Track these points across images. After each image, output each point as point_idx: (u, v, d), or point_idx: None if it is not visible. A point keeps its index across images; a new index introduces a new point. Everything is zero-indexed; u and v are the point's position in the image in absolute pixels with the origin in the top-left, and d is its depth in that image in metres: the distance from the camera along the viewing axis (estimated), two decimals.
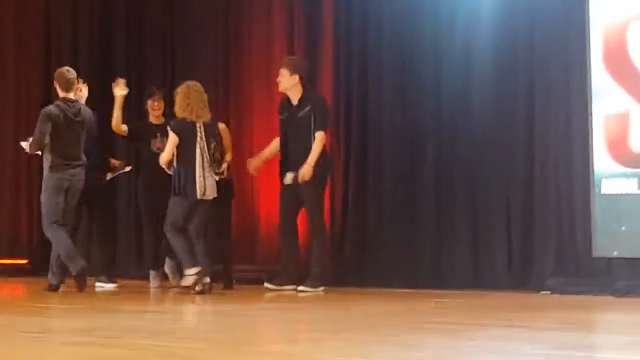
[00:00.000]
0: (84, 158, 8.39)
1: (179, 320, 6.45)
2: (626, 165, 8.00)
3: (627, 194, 7.96)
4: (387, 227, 9.10)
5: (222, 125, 8.93)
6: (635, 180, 7.95)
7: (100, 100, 9.33)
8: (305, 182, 8.42)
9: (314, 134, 8.46)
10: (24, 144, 8.53)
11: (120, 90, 8.82)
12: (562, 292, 7.94)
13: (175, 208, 8.15)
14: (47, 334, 5.34)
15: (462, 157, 8.83)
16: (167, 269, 9.03)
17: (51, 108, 8.33)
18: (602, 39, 8.13)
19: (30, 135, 8.44)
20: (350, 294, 8.31)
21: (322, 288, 8.42)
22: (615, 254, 8.03)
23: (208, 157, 8.19)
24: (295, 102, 8.62)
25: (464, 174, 8.82)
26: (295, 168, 8.48)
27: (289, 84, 8.61)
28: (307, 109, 8.53)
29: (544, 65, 8.50)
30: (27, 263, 10.68)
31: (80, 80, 8.71)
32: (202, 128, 8.19)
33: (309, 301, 7.75)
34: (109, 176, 9.21)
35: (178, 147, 8.15)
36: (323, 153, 8.54)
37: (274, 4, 10.06)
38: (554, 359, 4.25)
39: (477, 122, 8.76)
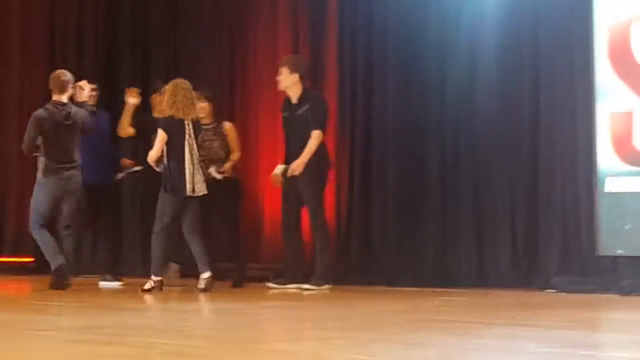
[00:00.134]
0: (78, 159, 8.41)
1: (184, 319, 6.45)
2: (631, 163, 7.99)
3: (631, 192, 7.96)
4: (391, 225, 9.10)
5: (228, 124, 8.95)
6: None
7: (107, 100, 9.36)
8: (304, 179, 8.45)
9: (311, 132, 8.49)
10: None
11: (132, 98, 8.85)
12: (566, 291, 7.94)
13: (164, 205, 8.20)
14: (53, 332, 5.35)
15: (467, 155, 8.83)
16: (171, 268, 9.06)
17: (39, 112, 8.40)
18: (607, 36, 8.13)
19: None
20: (355, 292, 8.32)
21: (327, 286, 8.42)
22: (619, 252, 8.02)
23: (197, 154, 8.23)
24: (294, 100, 8.65)
25: (469, 172, 8.82)
26: None
27: (288, 82, 8.64)
28: (305, 107, 8.56)
29: (548, 63, 8.50)
30: (32, 261, 10.68)
31: (85, 81, 8.73)
32: (191, 125, 8.24)
33: (314, 299, 7.75)
34: (119, 175, 9.25)
35: (167, 144, 8.21)
36: (321, 151, 8.55)
37: (279, 3, 10.07)
38: (558, 357, 4.25)
39: (482, 120, 8.76)
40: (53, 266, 8.24)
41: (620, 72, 8.06)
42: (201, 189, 8.22)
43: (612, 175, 8.03)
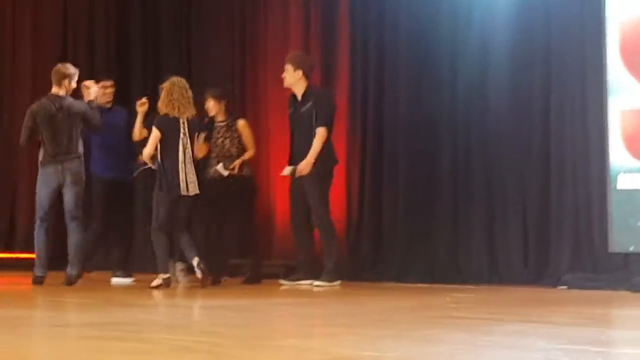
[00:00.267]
0: (77, 151, 8.44)
1: (194, 315, 6.46)
2: None
3: None
4: (402, 222, 9.10)
5: (241, 122, 8.96)
6: None
7: (118, 98, 9.38)
8: (309, 179, 8.44)
9: (315, 129, 8.47)
10: None
11: (141, 107, 8.86)
12: (578, 288, 7.92)
13: (158, 204, 8.24)
14: (64, 328, 5.36)
15: (478, 151, 8.82)
16: (177, 267, 9.08)
17: (33, 105, 8.51)
18: (618, 33, 8.10)
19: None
20: (365, 288, 8.31)
21: (337, 282, 8.42)
22: (631, 249, 8.00)
23: (191, 153, 8.23)
24: (299, 97, 8.65)
25: (480, 169, 8.81)
26: (298, 163, 8.51)
27: (292, 79, 8.64)
28: (309, 104, 8.55)
29: (560, 59, 8.48)
30: None
31: (91, 81, 8.74)
32: (186, 124, 8.24)
33: (324, 296, 7.75)
34: (135, 172, 9.26)
35: (161, 142, 8.23)
36: (326, 148, 8.54)
37: (290, 1, 10.07)
38: (570, 354, 4.23)
39: (493, 116, 8.75)
40: (37, 272, 8.42)
41: (631, 68, 8.04)
42: (194, 189, 8.24)
43: (623, 172, 8.01)
